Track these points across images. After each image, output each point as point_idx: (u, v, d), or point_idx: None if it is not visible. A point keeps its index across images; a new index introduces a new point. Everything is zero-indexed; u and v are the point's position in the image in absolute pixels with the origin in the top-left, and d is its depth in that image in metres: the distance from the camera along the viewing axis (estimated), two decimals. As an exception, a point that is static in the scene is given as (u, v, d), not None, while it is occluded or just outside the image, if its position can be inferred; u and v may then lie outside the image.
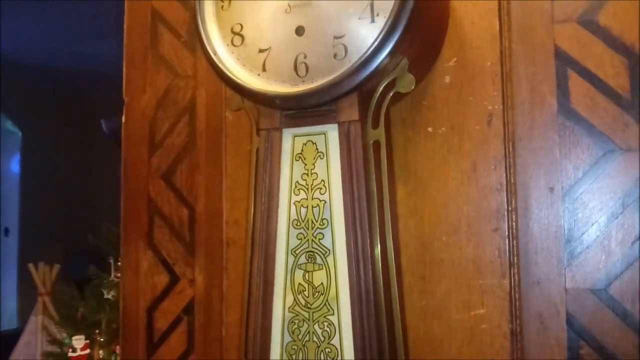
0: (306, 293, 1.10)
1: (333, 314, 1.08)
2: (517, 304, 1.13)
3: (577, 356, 1.10)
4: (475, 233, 1.16)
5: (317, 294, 1.10)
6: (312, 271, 1.10)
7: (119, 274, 2.89)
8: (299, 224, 1.12)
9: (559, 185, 1.13)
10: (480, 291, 1.15)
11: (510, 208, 1.14)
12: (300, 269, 1.11)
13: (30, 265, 4.01)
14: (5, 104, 5.83)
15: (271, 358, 1.12)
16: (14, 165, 6.19)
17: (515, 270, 1.13)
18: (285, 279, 1.12)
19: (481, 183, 1.16)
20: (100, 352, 2.84)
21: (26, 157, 6.30)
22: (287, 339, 1.11)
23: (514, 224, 1.14)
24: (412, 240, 1.20)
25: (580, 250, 1.11)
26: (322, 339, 1.08)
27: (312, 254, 1.11)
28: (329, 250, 1.09)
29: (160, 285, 1.44)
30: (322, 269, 1.10)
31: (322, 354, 1.08)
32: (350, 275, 1.07)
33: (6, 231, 6.16)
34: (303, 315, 1.10)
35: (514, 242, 1.13)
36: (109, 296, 2.93)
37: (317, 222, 1.11)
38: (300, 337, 1.10)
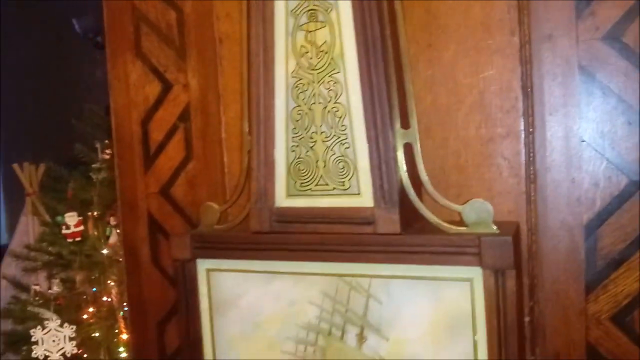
0: (309, 55, 1.05)
1: (339, 72, 1.03)
2: (528, 61, 1.08)
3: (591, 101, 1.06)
4: (483, -9, 1.10)
5: (321, 53, 1.04)
6: (314, 30, 1.04)
7: (106, 155, 2.82)
8: (297, -18, 1.05)
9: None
10: (489, 52, 1.10)
11: (519, -39, 1.08)
12: (301, 30, 1.05)
13: (15, 166, 3.92)
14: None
15: (276, 127, 1.07)
16: (-13, 81, 5.96)
17: (526, 27, 1.08)
18: (286, 42, 1.06)
19: (489, -62, 1.09)
20: (95, 232, 2.80)
21: (-1, 71, 6.07)
22: (292, 105, 1.07)
23: (523, -23, 1.08)
24: (416, 6, 1.14)
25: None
26: (329, 99, 1.04)
27: (313, 12, 1.04)
28: (331, 5, 1.03)
29: (153, 95, 1.38)
30: (325, 26, 1.04)
31: (328, 114, 1.04)
32: (357, 27, 1.01)
33: (-13, 150, 6.01)
34: (307, 78, 1.05)
35: (524, -5, 1.08)
36: (99, 178, 2.86)
37: (317, -21, 1.04)
38: (305, 100, 1.05)
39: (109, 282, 2.71)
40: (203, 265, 1.14)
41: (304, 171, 1.06)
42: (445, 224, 0.99)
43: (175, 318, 1.38)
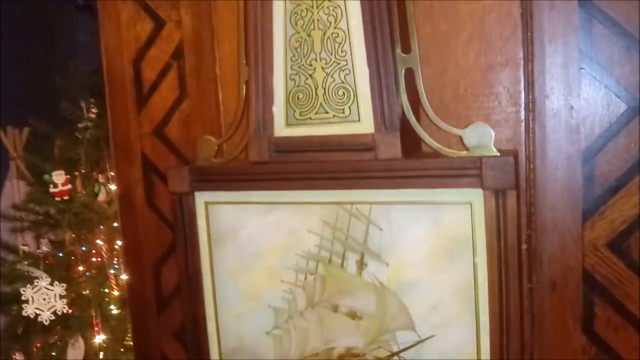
0: (308, -20, 1.03)
1: (339, -4, 1.01)
2: (527, -13, 1.07)
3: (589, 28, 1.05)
4: None
5: (319, -22, 1.02)
6: (313, -46, 1.02)
7: (92, 114, 2.78)
8: None
9: None
10: (489, -22, 1.09)
11: None
12: (299, -46, 1.03)
13: (-1, 130, 3.85)
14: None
15: (274, 55, 1.06)
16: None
17: (527, -51, 1.07)
18: (285, -32, 1.04)
19: None
20: (84, 191, 2.77)
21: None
22: (290, 32, 1.05)
23: None
24: None
25: None
26: (328, 24, 1.02)
27: None
28: None
29: (145, 33, 1.35)
30: (324, -50, 1.02)
31: (328, 40, 1.03)
32: (355, -50, 0.99)
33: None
34: (306, 4, 1.04)
35: None
36: (85, 137, 2.82)
37: None
38: (304, 27, 1.04)
39: (97, 241, 2.69)
40: (201, 198, 1.13)
41: (303, 100, 1.05)
42: (445, 149, 0.99)
43: (171, 258, 1.37)
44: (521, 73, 1.09)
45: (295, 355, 1.09)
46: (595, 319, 1.10)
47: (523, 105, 1.10)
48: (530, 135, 1.10)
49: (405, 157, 1.00)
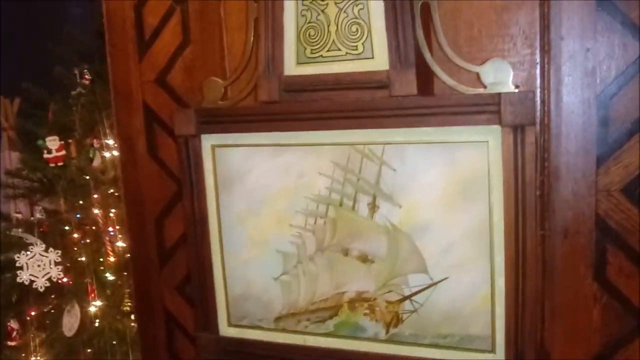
0: None
1: None
2: None
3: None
4: None
5: None
6: None
7: (85, 81, 2.72)
8: None
9: None
10: None
11: None
12: None
13: (-10, 100, 3.78)
14: None
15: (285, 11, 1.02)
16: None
17: None
18: None
19: None
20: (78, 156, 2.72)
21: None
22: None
23: None
24: None
25: None
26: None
27: None
28: None
29: (147, -24, 1.31)
30: None
31: (340, -20, 0.99)
32: None
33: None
34: (318, -63, 1.00)
35: None
36: (80, 102, 2.77)
37: None
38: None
39: (93, 209, 2.65)
40: (208, 141, 1.10)
41: (314, 37, 1.02)
42: (462, 86, 0.97)
43: (175, 210, 1.34)
44: (537, 14, 1.06)
45: (304, 301, 1.07)
46: (608, 265, 1.08)
47: (538, 47, 1.07)
48: (545, 78, 1.07)
49: (421, 94, 0.97)
